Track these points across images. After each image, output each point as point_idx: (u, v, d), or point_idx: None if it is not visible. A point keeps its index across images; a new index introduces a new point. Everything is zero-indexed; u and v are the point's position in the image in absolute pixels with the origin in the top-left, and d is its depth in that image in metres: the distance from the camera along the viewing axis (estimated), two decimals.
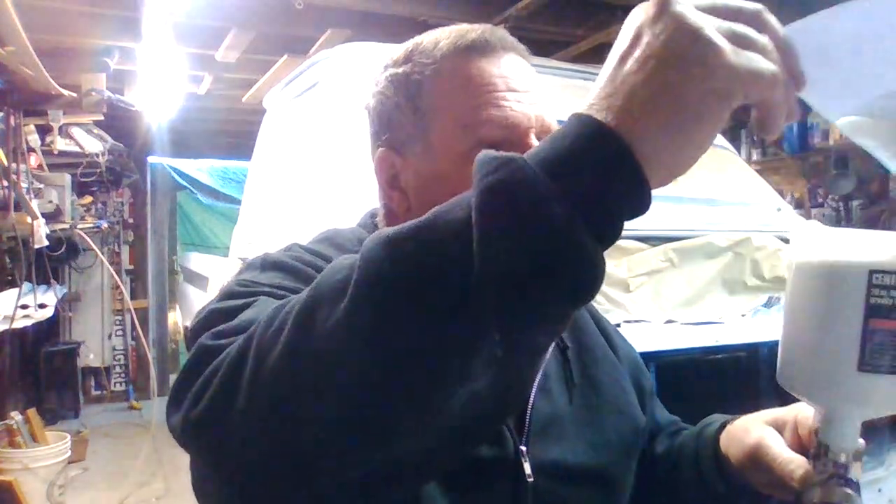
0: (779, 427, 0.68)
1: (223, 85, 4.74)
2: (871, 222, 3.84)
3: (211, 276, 3.77)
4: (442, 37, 0.76)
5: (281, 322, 0.48)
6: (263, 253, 0.74)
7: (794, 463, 0.61)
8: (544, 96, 0.76)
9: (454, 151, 0.71)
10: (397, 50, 0.79)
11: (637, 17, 0.46)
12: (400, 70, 0.77)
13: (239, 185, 5.94)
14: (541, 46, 3.67)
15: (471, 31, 0.76)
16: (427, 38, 0.77)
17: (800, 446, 0.64)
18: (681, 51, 0.43)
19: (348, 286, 0.45)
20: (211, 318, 0.60)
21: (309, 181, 2.44)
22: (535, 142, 0.72)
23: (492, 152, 0.45)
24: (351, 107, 2.32)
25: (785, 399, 0.65)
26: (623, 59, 0.45)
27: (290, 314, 0.48)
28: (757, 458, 0.67)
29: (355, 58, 2.47)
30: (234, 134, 6.15)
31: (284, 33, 3.72)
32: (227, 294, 0.65)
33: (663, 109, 0.43)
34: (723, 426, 0.77)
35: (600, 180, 0.42)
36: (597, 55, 3.95)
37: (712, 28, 0.44)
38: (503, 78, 0.72)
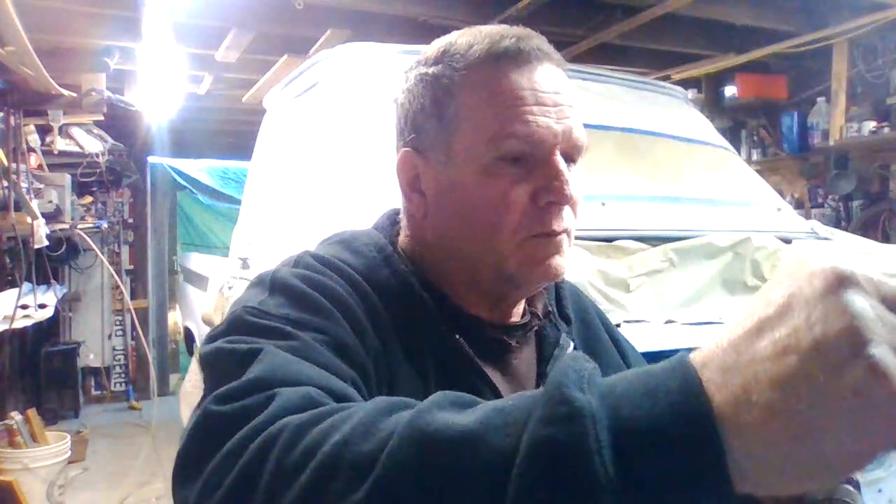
0: None
1: (223, 85, 4.74)
2: (871, 222, 3.85)
3: (211, 276, 3.77)
4: (476, 41, 0.74)
5: (304, 454, 0.45)
6: (275, 268, 0.72)
7: None
8: (576, 106, 0.73)
9: (476, 163, 0.71)
10: (431, 47, 0.78)
11: (798, 276, 0.36)
12: (430, 70, 0.75)
13: (239, 185, 5.95)
14: None
15: (505, 36, 0.74)
16: (461, 40, 0.75)
17: None
18: (833, 363, 0.33)
19: (374, 466, 0.42)
20: (218, 359, 0.59)
21: (308, 181, 2.44)
22: (559, 160, 0.70)
23: (567, 392, 0.38)
24: (351, 107, 2.32)
25: None
26: (761, 328, 0.36)
27: (314, 451, 0.45)
28: None
29: (355, 58, 2.47)
30: (234, 134, 6.15)
31: (284, 33, 3.73)
32: (236, 325, 0.64)
33: (788, 426, 0.34)
34: None
35: (675, 485, 0.35)
36: (597, 55, 3.95)
37: (886, 347, 0.33)
38: (532, 91, 0.71)
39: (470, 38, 0.75)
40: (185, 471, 0.52)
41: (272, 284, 0.69)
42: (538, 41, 0.74)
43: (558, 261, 0.73)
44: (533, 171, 0.70)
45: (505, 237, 0.71)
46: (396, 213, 0.84)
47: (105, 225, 5.18)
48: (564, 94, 0.73)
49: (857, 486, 0.55)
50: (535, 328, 0.82)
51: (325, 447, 0.45)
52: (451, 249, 0.76)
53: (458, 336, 0.73)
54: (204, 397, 0.56)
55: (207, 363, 0.60)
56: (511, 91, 0.71)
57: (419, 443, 0.41)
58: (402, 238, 0.81)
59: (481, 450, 0.39)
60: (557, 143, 0.71)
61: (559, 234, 0.72)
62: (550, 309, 0.84)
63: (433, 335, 0.73)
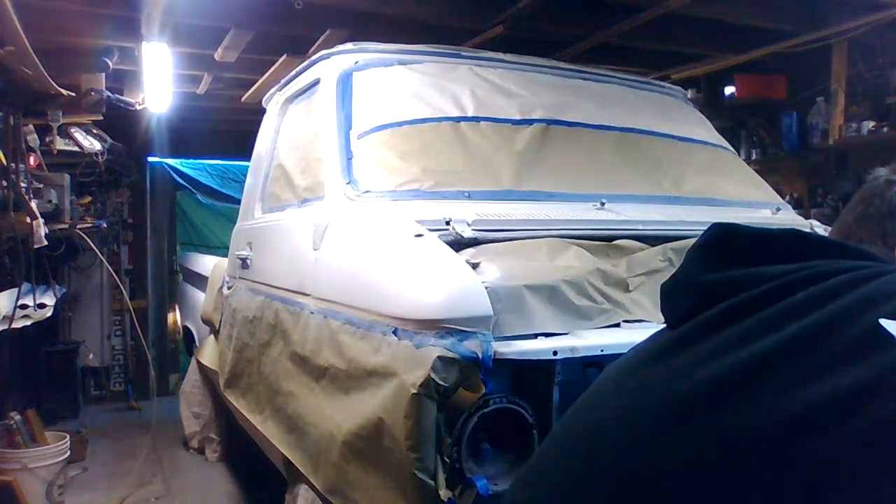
0: None
1: (222, 85, 4.74)
2: None
3: (210, 275, 3.77)
4: None
5: None
6: None
7: None
8: None
9: None
10: None
11: None
12: None
13: (238, 185, 5.94)
14: (541, 46, 3.67)
15: None
16: None
17: None
18: None
19: None
20: None
21: (307, 181, 2.44)
22: None
23: None
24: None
25: None
26: None
27: None
28: None
29: (355, 58, 2.47)
30: (233, 134, 6.14)
31: (283, 33, 3.73)
32: None
33: None
34: None
35: None
36: (597, 55, 3.95)
37: None
38: None
39: None
40: None
41: None
42: None
43: None
44: None
45: None
46: None
47: (104, 225, 5.17)
48: None
49: None
50: None
51: None
52: None
53: None
54: None
55: None
56: None
57: None
58: None
59: None
60: None
61: None
62: None
63: None
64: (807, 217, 3.10)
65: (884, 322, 0.46)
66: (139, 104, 4.20)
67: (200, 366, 4.16)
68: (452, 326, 1.43)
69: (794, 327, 0.49)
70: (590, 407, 0.65)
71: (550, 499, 0.60)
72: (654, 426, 0.54)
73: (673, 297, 0.64)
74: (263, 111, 3.25)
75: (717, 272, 0.58)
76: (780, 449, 0.45)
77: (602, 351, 1.43)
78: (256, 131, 3.20)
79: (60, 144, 4.05)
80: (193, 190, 6.86)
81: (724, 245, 0.61)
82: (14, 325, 3.44)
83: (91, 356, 5.72)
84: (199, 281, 4.38)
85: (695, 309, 0.57)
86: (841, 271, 0.51)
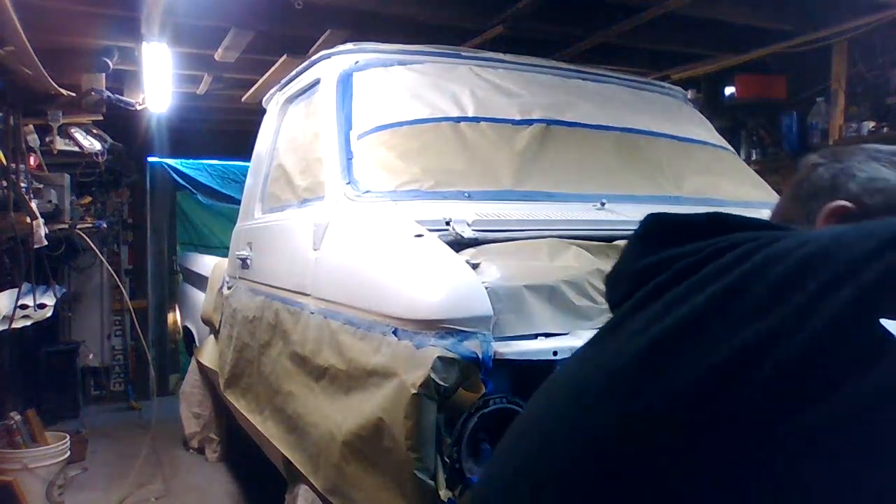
0: None
1: (222, 85, 4.74)
2: None
3: (210, 275, 3.77)
4: None
5: None
6: None
7: None
8: None
9: None
10: None
11: None
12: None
13: (239, 185, 5.94)
14: (541, 46, 3.68)
15: None
16: None
17: None
18: None
19: None
20: None
21: (308, 181, 2.44)
22: None
23: None
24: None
25: None
26: None
27: None
28: None
29: (355, 58, 2.47)
30: (233, 134, 6.14)
31: (283, 33, 3.72)
32: None
33: None
34: None
35: None
36: (597, 55, 3.95)
37: None
38: None
39: None
40: None
41: None
42: None
43: None
44: None
45: None
46: None
47: (104, 225, 5.17)
48: None
49: None
50: None
51: None
52: None
53: None
54: None
55: None
56: None
57: None
58: None
59: None
60: None
61: None
62: None
63: None
64: None
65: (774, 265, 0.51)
66: (139, 104, 4.20)
67: (200, 366, 4.16)
68: (452, 327, 1.43)
69: (716, 286, 0.53)
70: (543, 391, 0.69)
71: (510, 481, 0.63)
72: (599, 396, 0.57)
73: (613, 286, 0.70)
74: (263, 111, 3.25)
75: (651, 257, 0.63)
76: (710, 401, 0.48)
77: None
78: (256, 131, 3.20)
79: (60, 144, 4.05)
80: (193, 190, 6.86)
81: (657, 232, 0.67)
82: (14, 325, 3.44)
83: (91, 356, 5.72)
84: (199, 281, 4.38)
85: (633, 292, 0.62)
86: (756, 238, 0.57)
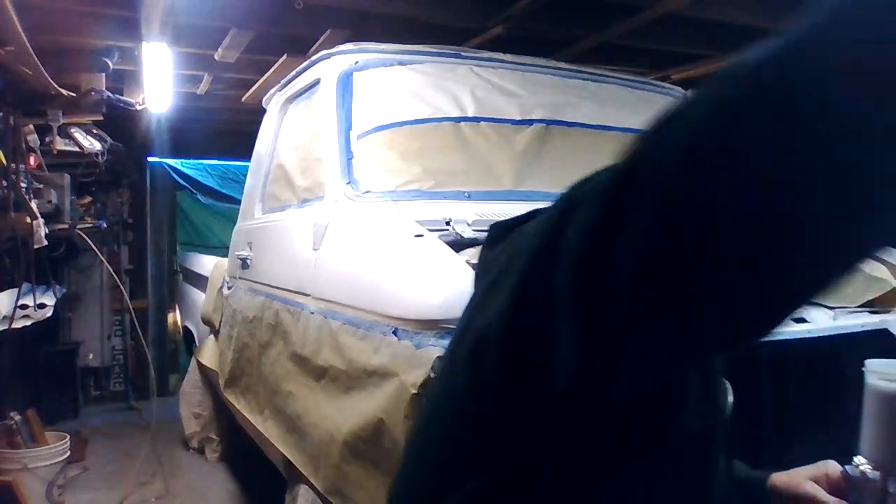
0: (817, 481, 0.93)
1: (222, 85, 4.74)
2: None
3: (210, 275, 3.77)
4: None
5: None
6: None
7: None
8: None
9: None
10: None
11: None
12: None
13: (239, 185, 5.94)
14: (541, 46, 3.67)
15: None
16: None
17: (831, 492, 0.91)
18: None
19: None
20: None
21: (308, 181, 2.44)
22: None
23: None
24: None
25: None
26: None
27: None
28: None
29: (355, 58, 2.47)
30: (233, 134, 6.14)
31: (284, 33, 3.72)
32: None
33: None
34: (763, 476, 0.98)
35: None
36: (597, 55, 3.95)
37: None
38: None
39: None
40: None
41: None
42: None
43: None
44: None
45: None
46: None
47: (104, 225, 5.17)
48: None
49: None
50: None
51: None
52: None
53: None
54: None
55: None
56: None
57: None
58: None
59: None
60: None
61: None
62: None
63: None
64: None
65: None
66: (139, 104, 4.20)
67: (200, 366, 4.16)
68: (453, 327, 1.43)
69: (530, 238, 0.67)
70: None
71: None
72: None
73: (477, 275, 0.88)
74: (263, 111, 3.26)
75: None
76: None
77: None
78: (256, 131, 3.21)
79: (60, 144, 4.05)
80: (193, 190, 6.86)
81: (503, 227, 0.87)
82: (14, 325, 3.44)
83: (91, 356, 5.72)
84: (199, 281, 4.38)
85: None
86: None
